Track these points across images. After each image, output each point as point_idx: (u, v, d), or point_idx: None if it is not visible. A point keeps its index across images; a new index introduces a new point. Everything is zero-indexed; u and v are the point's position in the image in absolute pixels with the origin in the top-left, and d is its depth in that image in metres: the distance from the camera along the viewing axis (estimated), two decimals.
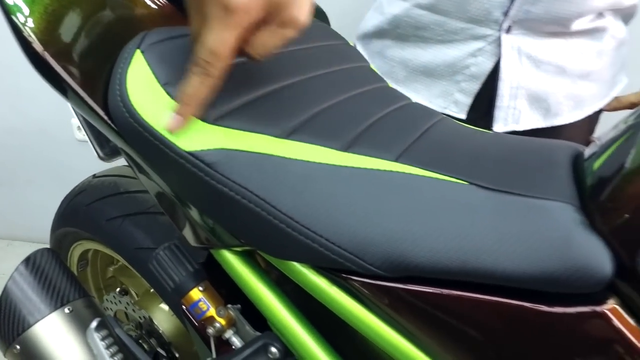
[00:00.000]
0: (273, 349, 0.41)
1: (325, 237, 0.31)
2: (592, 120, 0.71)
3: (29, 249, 1.99)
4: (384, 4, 0.71)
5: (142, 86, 0.34)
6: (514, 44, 0.61)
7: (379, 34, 0.72)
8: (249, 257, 0.40)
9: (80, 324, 0.53)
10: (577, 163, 0.33)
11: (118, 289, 0.83)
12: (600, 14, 0.62)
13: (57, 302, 0.53)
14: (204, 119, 0.33)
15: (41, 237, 1.86)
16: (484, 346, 0.29)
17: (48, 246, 0.85)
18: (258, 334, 0.44)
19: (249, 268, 0.40)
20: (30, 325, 0.50)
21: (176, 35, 0.38)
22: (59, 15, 0.38)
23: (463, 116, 0.66)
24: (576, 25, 0.61)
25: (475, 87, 0.65)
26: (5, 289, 0.52)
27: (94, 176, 0.80)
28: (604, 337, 0.26)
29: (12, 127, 1.70)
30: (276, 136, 0.34)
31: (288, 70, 0.40)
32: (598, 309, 0.26)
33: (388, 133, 0.36)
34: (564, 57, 0.63)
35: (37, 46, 0.37)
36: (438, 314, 0.30)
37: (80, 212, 0.75)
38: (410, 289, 0.30)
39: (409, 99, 0.47)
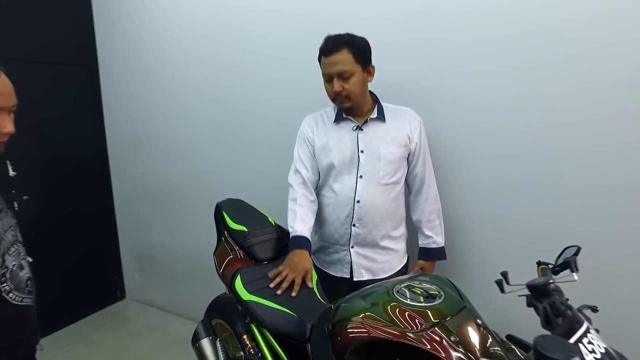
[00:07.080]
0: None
1: (273, 325, 1.47)
2: (400, 272, 1.82)
3: (179, 319, 3.56)
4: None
5: (238, 284, 1.57)
6: (356, 251, 1.77)
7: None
8: (260, 327, 1.56)
9: (214, 343, 1.74)
10: None
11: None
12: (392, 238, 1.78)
13: (207, 335, 1.76)
14: (248, 291, 1.54)
15: (187, 314, 3.14)
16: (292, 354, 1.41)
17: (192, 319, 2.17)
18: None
19: (259, 331, 1.56)
20: (200, 339, 1.74)
21: (249, 270, 1.63)
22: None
23: (348, 276, 1.80)
24: (382, 244, 1.76)
25: (327, 265, 1.83)
26: (194, 332, 1.78)
27: (225, 293, 2.05)
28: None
29: (181, 245, 3.05)
30: (264, 298, 1.52)
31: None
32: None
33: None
34: (377, 256, 1.77)
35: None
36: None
37: (221, 309, 1.95)
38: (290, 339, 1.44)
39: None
